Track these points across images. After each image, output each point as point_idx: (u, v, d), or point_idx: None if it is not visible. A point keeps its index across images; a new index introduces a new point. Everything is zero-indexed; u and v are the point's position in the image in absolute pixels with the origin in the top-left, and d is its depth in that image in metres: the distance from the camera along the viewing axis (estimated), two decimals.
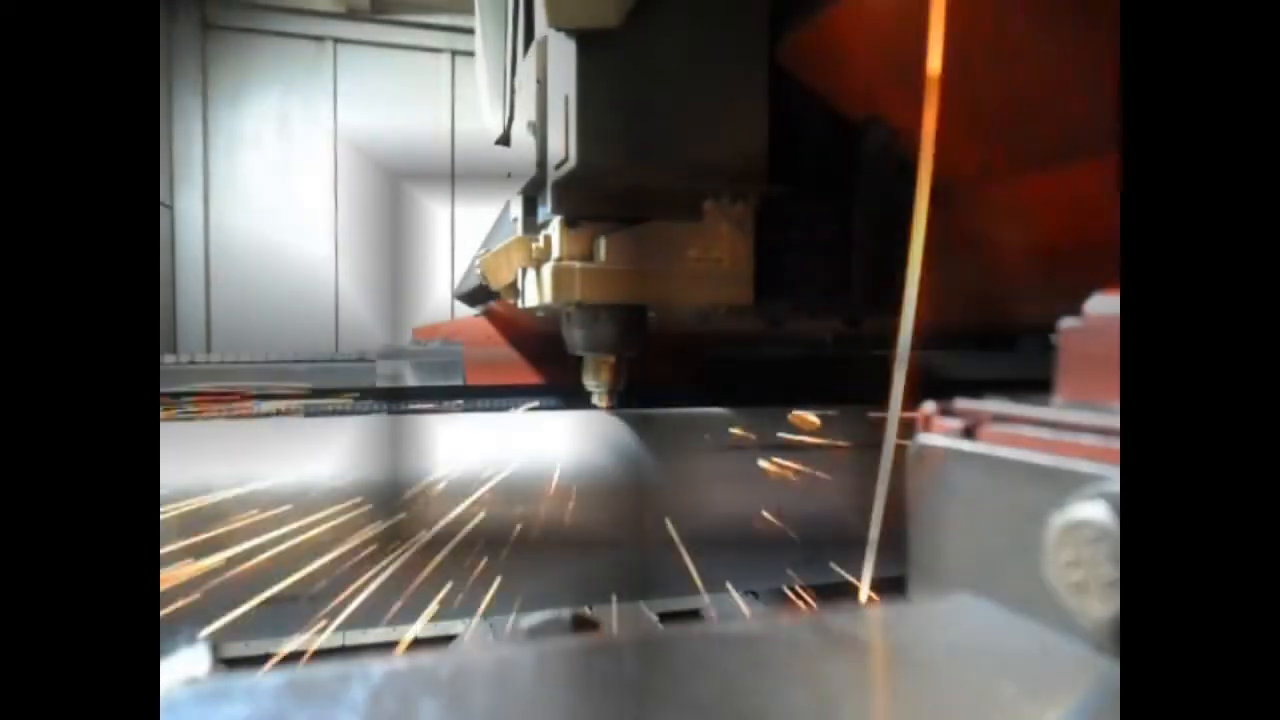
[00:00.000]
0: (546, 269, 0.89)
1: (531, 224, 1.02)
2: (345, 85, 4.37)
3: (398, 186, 4.43)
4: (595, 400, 1.05)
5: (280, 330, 4.17)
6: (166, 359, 1.62)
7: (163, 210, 4.05)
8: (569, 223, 0.89)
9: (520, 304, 1.02)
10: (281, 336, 4.00)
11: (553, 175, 0.87)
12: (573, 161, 0.82)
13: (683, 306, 0.93)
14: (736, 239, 0.89)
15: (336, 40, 4.34)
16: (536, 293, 0.94)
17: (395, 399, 1.60)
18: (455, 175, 4.47)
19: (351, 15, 4.32)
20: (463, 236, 4.37)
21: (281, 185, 4.31)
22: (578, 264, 0.88)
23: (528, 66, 0.94)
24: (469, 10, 1.34)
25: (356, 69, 4.37)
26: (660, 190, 0.87)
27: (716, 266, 0.89)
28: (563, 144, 0.83)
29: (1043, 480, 0.32)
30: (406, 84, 4.44)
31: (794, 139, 0.91)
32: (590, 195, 0.88)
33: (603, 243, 0.88)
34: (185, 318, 4.18)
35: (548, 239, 0.92)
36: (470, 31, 1.36)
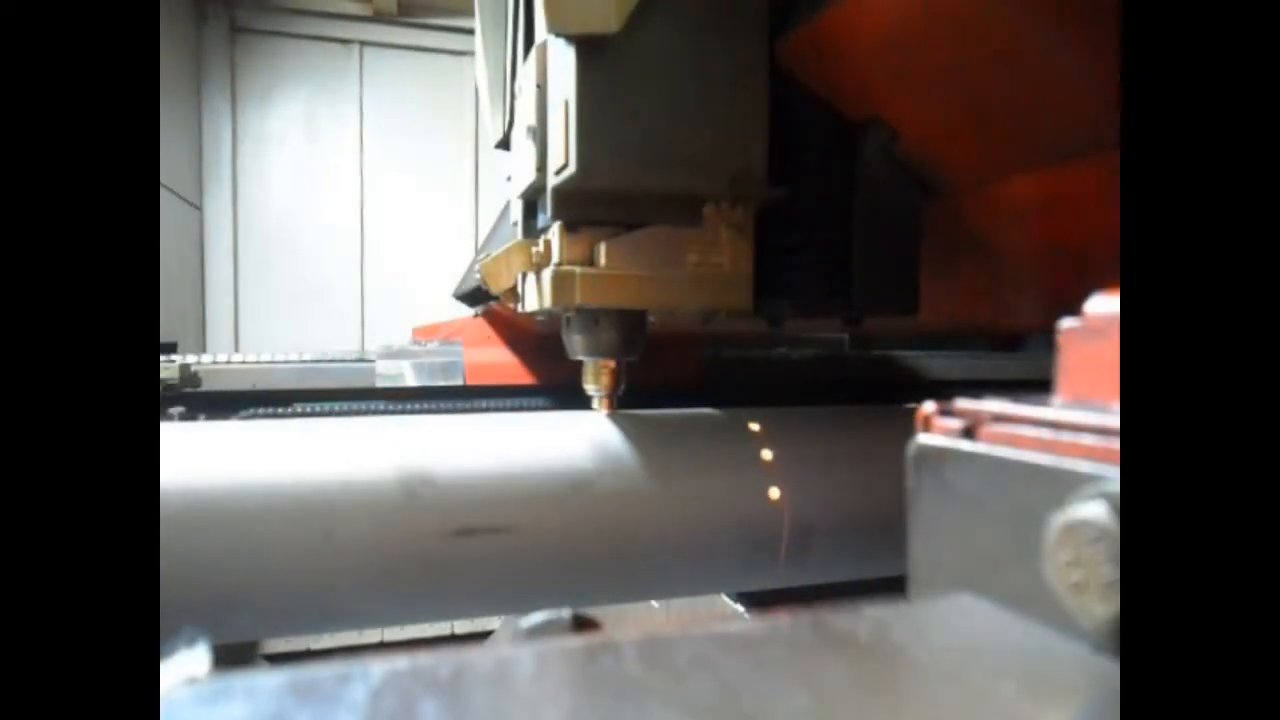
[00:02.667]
0: (546, 274, 0.89)
1: (531, 229, 1.02)
2: (371, 87, 4.40)
3: (423, 186, 4.46)
4: (595, 404, 1.05)
5: (306, 330, 4.20)
6: (189, 359, 1.63)
7: (191, 211, 4.08)
8: (568, 228, 0.89)
9: (520, 309, 1.02)
10: (307, 336, 4.03)
11: (552, 180, 0.87)
12: (572, 167, 0.82)
13: (683, 312, 0.93)
14: (737, 244, 0.89)
15: (362, 43, 4.37)
16: (536, 297, 0.94)
17: (398, 399, 1.62)
18: (479, 175, 4.50)
19: (378, 18, 4.34)
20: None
21: (308, 185, 4.34)
22: (577, 269, 0.88)
23: (527, 71, 0.94)
24: None
25: (382, 71, 4.40)
26: (660, 195, 0.87)
27: (717, 271, 0.89)
28: (562, 149, 0.83)
29: (1043, 480, 0.32)
30: (431, 86, 4.47)
31: (794, 140, 0.91)
32: (590, 200, 0.88)
33: (603, 248, 0.88)
34: (213, 318, 4.21)
35: (547, 244, 0.91)
36: None
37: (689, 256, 0.89)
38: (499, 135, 1.23)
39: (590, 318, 0.98)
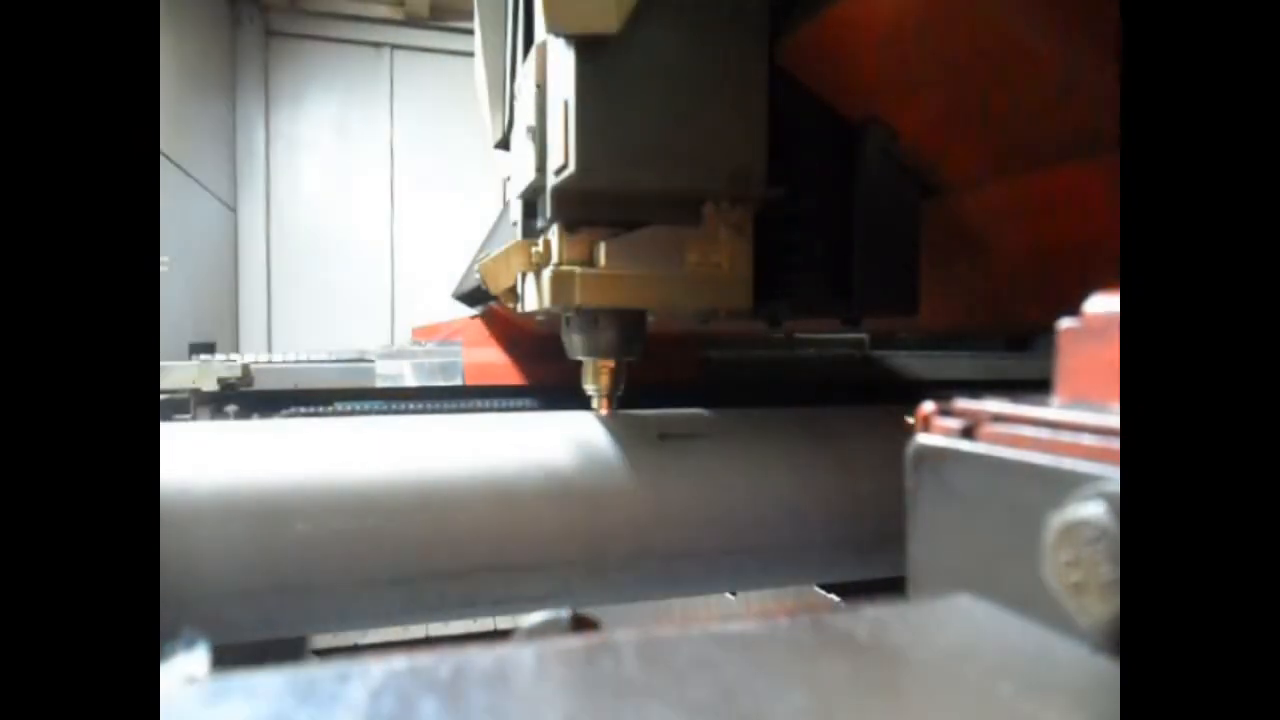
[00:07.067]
0: (546, 274, 0.89)
1: (531, 229, 1.02)
2: (401, 90, 4.44)
3: (452, 187, 4.49)
4: (594, 404, 1.05)
5: (338, 330, 4.22)
6: (248, 358, 1.66)
7: (226, 213, 4.11)
8: (568, 228, 0.89)
9: (520, 309, 1.01)
10: (339, 336, 4.05)
11: (552, 180, 0.87)
12: (572, 167, 0.82)
13: (682, 311, 0.93)
14: (736, 244, 0.89)
15: (393, 47, 4.41)
16: (536, 297, 0.94)
17: (398, 399, 1.63)
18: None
19: (409, 22, 4.37)
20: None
21: (340, 187, 4.38)
22: (577, 269, 0.88)
23: (527, 71, 0.94)
24: None
25: (413, 74, 4.44)
26: (660, 195, 0.87)
27: (716, 271, 0.89)
28: (562, 149, 0.83)
29: (1042, 480, 0.32)
30: (461, 89, 4.50)
31: (794, 140, 0.91)
32: (589, 200, 0.88)
33: (602, 248, 0.88)
34: (246, 318, 4.23)
35: (547, 244, 0.92)
36: None
37: (688, 256, 0.89)
38: (498, 136, 1.23)
39: (590, 317, 0.98)
